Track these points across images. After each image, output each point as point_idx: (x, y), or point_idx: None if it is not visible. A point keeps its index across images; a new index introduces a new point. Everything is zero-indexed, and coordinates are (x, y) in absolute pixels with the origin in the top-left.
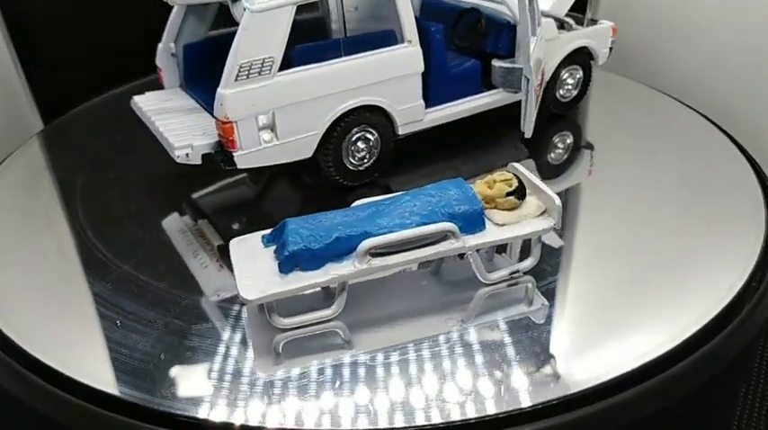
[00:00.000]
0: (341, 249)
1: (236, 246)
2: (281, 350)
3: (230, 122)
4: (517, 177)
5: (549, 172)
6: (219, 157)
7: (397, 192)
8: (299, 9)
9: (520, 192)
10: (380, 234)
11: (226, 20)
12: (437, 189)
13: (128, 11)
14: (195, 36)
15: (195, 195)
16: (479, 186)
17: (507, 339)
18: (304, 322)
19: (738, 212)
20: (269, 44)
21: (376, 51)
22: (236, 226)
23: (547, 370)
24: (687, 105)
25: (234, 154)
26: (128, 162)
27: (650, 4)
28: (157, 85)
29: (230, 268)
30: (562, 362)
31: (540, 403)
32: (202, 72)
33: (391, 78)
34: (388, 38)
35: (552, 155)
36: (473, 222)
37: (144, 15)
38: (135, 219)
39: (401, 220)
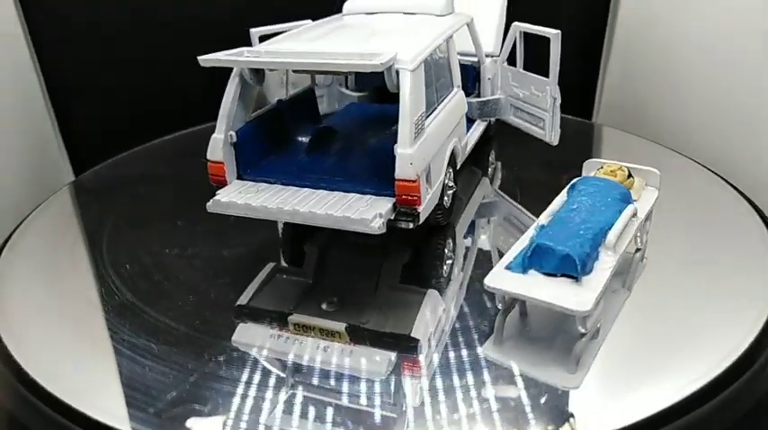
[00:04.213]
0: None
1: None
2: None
3: (417, 180)
4: (621, 165)
5: None
6: (404, 219)
7: None
8: None
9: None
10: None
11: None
12: (594, 186)
13: (158, 72)
14: (242, 120)
15: (219, 246)
16: (612, 176)
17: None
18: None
19: (750, 261)
20: (420, 100)
21: (449, 97)
22: (256, 272)
23: (563, 411)
24: (688, 157)
25: (419, 210)
26: (154, 212)
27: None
28: (181, 145)
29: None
30: (580, 403)
31: None
32: (270, 153)
33: (460, 119)
34: (450, 85)
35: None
36: (629, 200)
37: (171, 75)
38: (160, 265)
39: (606, 212)
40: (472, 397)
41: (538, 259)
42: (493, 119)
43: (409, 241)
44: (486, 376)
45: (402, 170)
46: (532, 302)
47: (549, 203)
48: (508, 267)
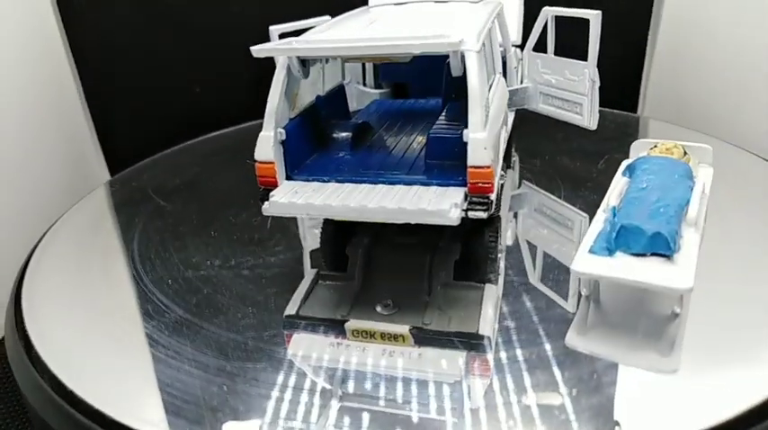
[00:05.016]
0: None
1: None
2: None
3: (492, 166)
4: (676, 143)
5: None
6: (478, 208)
7: None
8: None
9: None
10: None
11: None
12: (658, 165)
13: (191, 73)
14: (286, 117)
15: (254, 245)
16: (669, 153)
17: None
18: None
19: None
20: (485, 83)
21: (494, 84)
22: (291, 272)
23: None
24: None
25: (492, 198)
26: (186, 210)
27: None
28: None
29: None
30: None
31: None
32: (312, 152)
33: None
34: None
35: None
36: (692, 177)
37: (205, 78)
38: (206, 278)
39: (677, 189)
40: (572, 391)
41: (625, 240)
42: (521, 108)
43: (455, 236)
44: (581, 367)
45: (476, 156)
46: (629, 284)
47: (582, 192)
48: (592, 251)
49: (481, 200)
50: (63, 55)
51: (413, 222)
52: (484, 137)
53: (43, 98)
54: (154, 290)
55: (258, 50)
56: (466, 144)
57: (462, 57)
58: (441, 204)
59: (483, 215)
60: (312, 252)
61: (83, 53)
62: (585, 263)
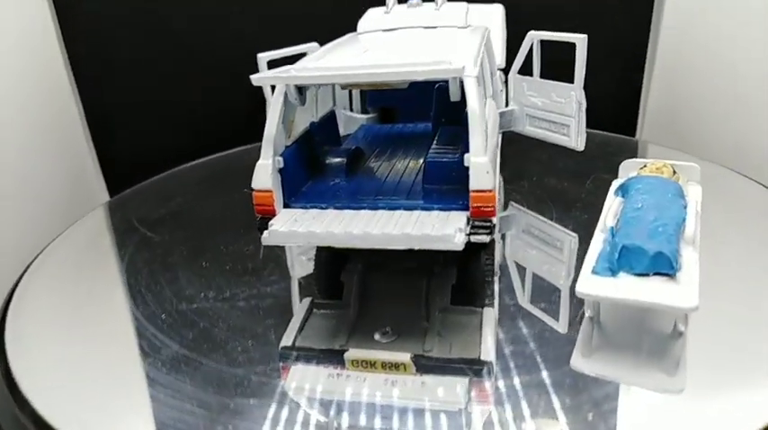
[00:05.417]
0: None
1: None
2: None
3: (494, 190)
4: (665, 162)
5: None
6: (481, 232)
7: None
8: None
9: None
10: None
11: None
12: (650, 184)
13: (192, 97)
14: (282, 145)
15: (249, 275)
16: (659, 173)
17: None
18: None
19: None
20: (483, 107)
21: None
22: (288, 302)
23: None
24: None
25: (494, 221)
26: (174, 241)
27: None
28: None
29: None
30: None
31: None
32: (307, 178)
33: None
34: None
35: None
36: (684, 196)
37: (201, 101)
38: (201, 311)
39: (672, 208)
40: (585, 415)
41: (627, 260)
42: (507, 130)
43: (451, 260)
44: (591, 392)
45: (478, 180)
46: (635, 305)
47: (573, 212)
48: (595, 272)
49: (484, 224)
50: (63, 72)
51: (416, 248)
52: (486, 161)
53: (43, 114)
54: (147, 324)
55: (259, 79)
56: (464, 168)
57: (461, 82)
58: (445, 229)
59: (486, 239)
60: (303, 280)
61: (82, 69)
62: (590, 284)
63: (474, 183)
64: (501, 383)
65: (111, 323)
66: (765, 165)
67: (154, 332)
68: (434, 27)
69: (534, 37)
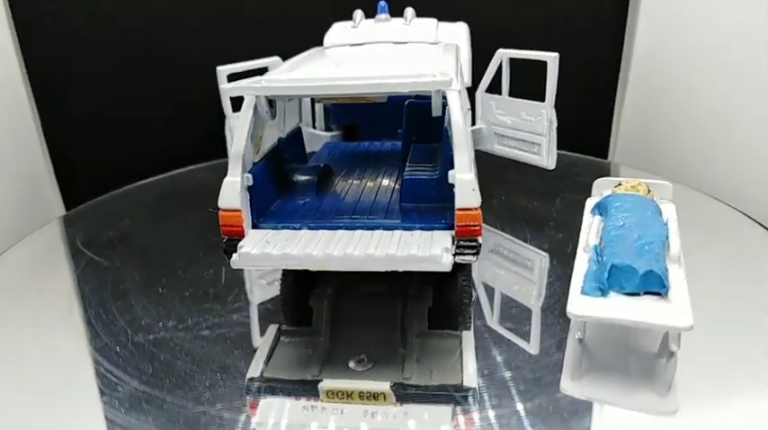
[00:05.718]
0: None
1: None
2: None
3: (480, 208)
4: (639, 181)
5: None
6: (466, 252)
7: None
8: None
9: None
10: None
11: None
12: (629, 202)
13: (156, 108)
14: (250, 161)
15: (211, 301)
16: (635, 191)
17: None
18: None
19: None
20: (467, 122)
21: None
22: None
23: None
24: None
25: (480, 241)
26: (125, 266)
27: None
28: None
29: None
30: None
31: None
32: (276, 197)
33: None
34: None
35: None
36: (661, 213)
37: (168, 112)
38: (141, 328)
39: (654, 226)
40: None
41: (617, 280)
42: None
43: (426, 282)
44: (586, 417)
45: (464, 198)
46: (629, 325)
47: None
48: (584, 292)
49: (470, 243)
50: (21, 84)
51: (400, 270)
52: (472, 177)
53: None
54: (100, 359)
55: (232, 89)
56: (445, 185)
57: (444, 96)
58: (432, 250)
59: (473, 259)
60: (268, 305)
61: (41, 82)
62: (581, 305)
63: (460, 201)
64: (487, 409)
65: (59, 360)
66: (736, 187)
67: (108, 367)
68: (405, 42)
69: (504, 55)
